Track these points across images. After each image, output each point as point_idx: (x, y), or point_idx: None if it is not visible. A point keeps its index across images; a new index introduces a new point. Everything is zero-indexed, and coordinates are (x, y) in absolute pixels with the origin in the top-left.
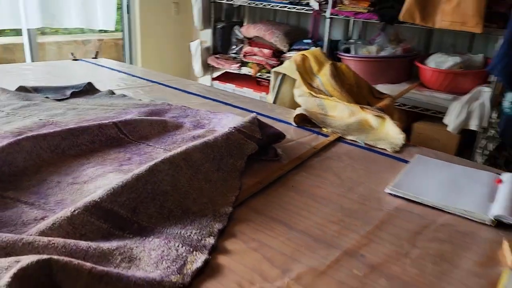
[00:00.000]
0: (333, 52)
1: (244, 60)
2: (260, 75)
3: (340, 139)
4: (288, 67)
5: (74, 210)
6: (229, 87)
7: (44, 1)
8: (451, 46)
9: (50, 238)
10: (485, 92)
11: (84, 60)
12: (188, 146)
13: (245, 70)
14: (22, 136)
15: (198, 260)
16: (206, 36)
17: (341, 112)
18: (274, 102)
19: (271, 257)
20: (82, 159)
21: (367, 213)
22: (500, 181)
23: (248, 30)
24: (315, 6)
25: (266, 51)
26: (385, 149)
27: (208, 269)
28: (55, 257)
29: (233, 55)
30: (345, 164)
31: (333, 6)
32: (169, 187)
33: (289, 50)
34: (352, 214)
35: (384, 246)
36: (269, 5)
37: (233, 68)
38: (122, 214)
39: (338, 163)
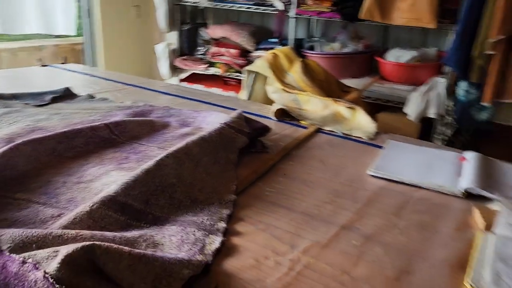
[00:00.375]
0: (299, 50)
1: (212, 60)
2: (228, 74)
3: (318, 130)
4: (261, 65)
5: (93, 205)
6: (197, 88)
7: (3, 7)
8: (407, 41)
9: (77, 231)
10: (441, 83)
11: (53, 65)
12: (187, 142)
13: (213, 71)
14: (20, 141)
15: (215, 241)
16: (171, 38)
17: (315, 105)
18: (248, 99)
19: (278, 235)
20: (80, 160)
21: (355, 193)
22: (464, 159)
23: (214, 31)
24: (280, 6)
25: (233, 51)
26: (361, 137)
27: (225, 249)
28: (97, 242)
29: (200, 56)
30: (327, 152)
31: (297, 6)
32: (175, 180)
33: (256, 50)
34: (342, 195)
35: (374, 219)
36: (234, 6)
37: (200, 69)
38: (136, 207)
39: (321, 152)
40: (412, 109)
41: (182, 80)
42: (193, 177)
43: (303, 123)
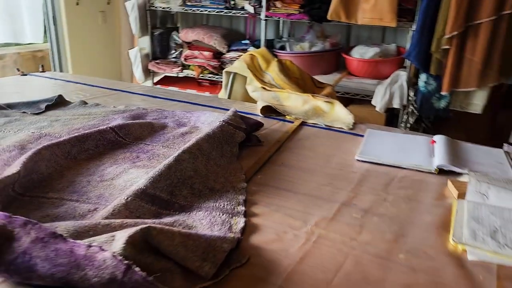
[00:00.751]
0: (271, 50)
1: (185, 63)
2: (202, 76)
3: (303, 124)
4: (239, 66)
5: (127, 198)
6: (172, 90)
7: None
8: (367, 38)
9: (121, 219)
10: (402, 75)
11: (33, 74)
12: (197, 138)
13: (187, 73)
14: (41, 146)
15: (240, 222)
16: (143, 43)
17: (295, 101)
18: (229, 98)
19: (290, 214)
20: (95, 162)
21: (347, 176)
22: (434, 141)
23: (187, 35)
24: (251, 10)
25: (206, 53)
26: (342, 128)
27: (248, 228)
28: (152, 225)
29: (173, 59)
30: (314, 142)
31: (267, 9)
32: (192, 172)
33: (228, 51)
34: (336, 178)
35: (367, 196)
36: (206, 10)
37: (174, 71)
38: (163, 197)
39: (309, 142)
40: (378, 101)
41: (156, 83)
42: (207, 169)
43: (288, 117)
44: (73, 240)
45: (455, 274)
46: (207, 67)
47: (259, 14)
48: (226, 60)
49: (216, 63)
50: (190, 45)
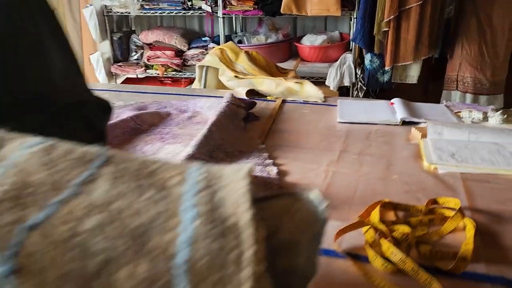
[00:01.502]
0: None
1: (148, 63)
2: (166, 74)
3: (284, 101)
4: (212, 60)
5: (181, 161)
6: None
7: None
8: (311, 27)
9: None
10: (349, 57)
11: None
12: (215, 116)
13: (150, 72)
14: None
15: (273, 169)
16: (104, 48)
17: (268, 85)
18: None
19: (305, 161)
20: (128, 145)
21: (335, 134)
22: (392, 103)
23: (147, 36)
24: (208, 9)
25: (168, 52)
26: (316, 101)
27: (279, 173)
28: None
29: (135, 61)
30: (300, 114)
31: (224, 7)
32: (222, 141)
33: (189, 49)
34: (327, 136)
35: (356, 144)
36: (164, 12)
37: (138, 72)
38: (207, 160)
39: (295, 114)
40: (331, 81)
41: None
42: (231, 137)
43: (269, 98)
44: None
45: (434, 181)
46: (171, 65)
47: (216, 12)
48: (188, 57)
49: (178, 60)
50: (151, 46)
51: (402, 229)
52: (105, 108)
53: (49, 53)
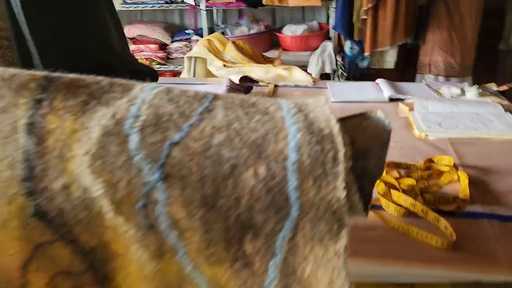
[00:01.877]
0: None
1: None
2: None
3: (276, 86)
4: (200, 50)
5: None
6: None
7: None
8: (290, 18)
9: None
10: (329, 45)
11: None
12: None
13: None
14: None
15: None
16: None
17: (258, 72)
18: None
19: None
20: None
21: None
22: (377, 83)
23: (129, 31)
24: (191, 2)
25: (152, 46)
26: (307, 85)
27: None
28: None
29: None
30: (293, 96)
31: (206, 0)
32: None
33: (172, 42)
34: None
35: None
36: (147, 6)
37: None
38: None
39: (290, 96)
40: (312, 69)
41: None
42: None
43: (261, 83)
44: None
45: (426, 146)
46: (155, 59)
47: (199, 5)
48: (171, 51)
49: (162, 53)
50: (135, 40)
51: (407, 182)
52: (154, 76)
53: (109, 23)
